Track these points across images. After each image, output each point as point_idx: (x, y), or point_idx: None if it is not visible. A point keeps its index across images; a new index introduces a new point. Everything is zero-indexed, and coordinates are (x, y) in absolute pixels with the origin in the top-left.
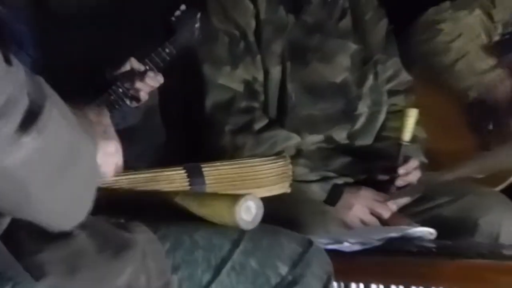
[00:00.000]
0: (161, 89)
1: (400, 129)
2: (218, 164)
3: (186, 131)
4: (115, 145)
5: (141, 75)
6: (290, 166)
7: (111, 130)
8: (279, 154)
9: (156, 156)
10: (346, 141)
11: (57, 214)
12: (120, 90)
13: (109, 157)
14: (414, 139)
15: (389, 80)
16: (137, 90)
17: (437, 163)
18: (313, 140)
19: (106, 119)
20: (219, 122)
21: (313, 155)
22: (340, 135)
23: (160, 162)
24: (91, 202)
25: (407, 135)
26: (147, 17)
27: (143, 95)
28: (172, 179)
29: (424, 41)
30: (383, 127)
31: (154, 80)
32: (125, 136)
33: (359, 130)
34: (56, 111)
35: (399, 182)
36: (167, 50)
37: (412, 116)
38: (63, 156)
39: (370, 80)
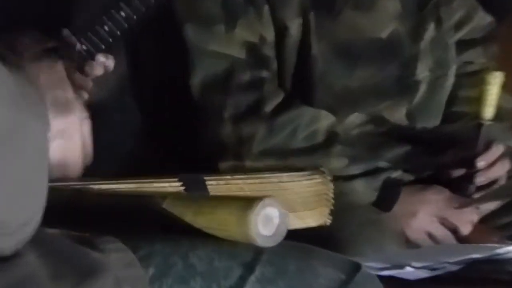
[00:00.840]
0: (131, 58)
1: (478, 102)
2: (229, 177)
3: (171, 114)
4: (77, 117)
5: (81, 61)
6: (331, 186)
7: (69, 92)
8: (309, 143)
9: (131, 147)
10: (404, 122)
11: None
12: None
13: (70, 134)
14: (499, 115)
15: (458, 26)
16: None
17: None
18: (355, 120)
19: (59, 74)
20: (213, 106)
21: (355, 141)
22: (394, 113)
23: (138, 157)
24: (40, 204)
25: (488, 111)
26: None
27: (86, 89)
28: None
29: None
30: (452, 98)
31: (98, 67)
32: (90, 117)
33: (419, 104)
34: None
35: (480, 179)
36: (122, 14)
37: (495, 82)
38: None
39: (430, 31)
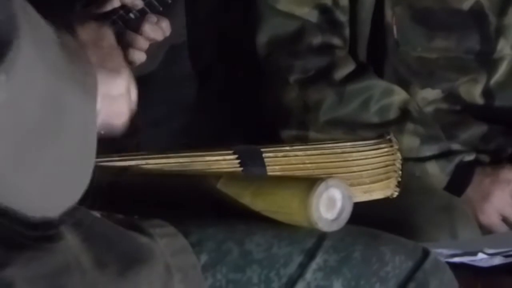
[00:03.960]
0: (190, 20)
1: None
2: (288, 148)
3: (229, 81)
4: (125, 81)
5: (137, 21)
6: (399, 155)
7: (118, 58)
8: (380, 118)
9: (185, 121)
10: (481, 101)
11: (35, 196)
12: None
13: (116, 102)
14: None
15: None
16: (128, 47)
17: None
18: (428, 97)
19: (108, 40)
20: (279, 68)
21: (429, 119)
22: (471, 91)
23: (191, 132)
24: (86, 182)
25: None
26: None
27: (138, 57)
28: (217, 168)
29: None
30: None
31: (155, 30)
32: (139, 90)
33: (500, 83)
34: (29, 50)
35: None
36: None
37: None
38: (41, 113)
39: None
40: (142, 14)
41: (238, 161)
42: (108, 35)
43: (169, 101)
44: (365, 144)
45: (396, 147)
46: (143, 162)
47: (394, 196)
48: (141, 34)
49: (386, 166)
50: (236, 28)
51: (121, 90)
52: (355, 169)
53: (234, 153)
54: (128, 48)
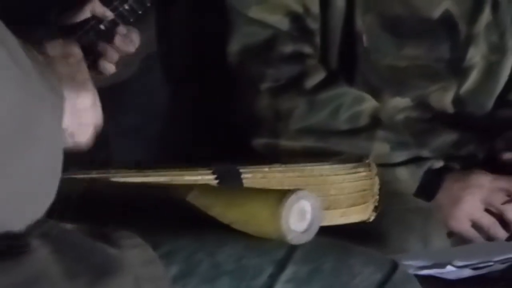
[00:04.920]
0: (161, 29)
1: None
2: (266, 169)
3: (202, 90)
4: (91, 95)
5: (108, 32)
6: (377, 180)
7: (84, 72)
8: (353, 124)
9: (159, 130)
10: (451, 109)
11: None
12: None
13: (83, 115)
14: None
15: None
16: (99, 58)
17: None
18: (398, 105)
19: (75, 55)
20: (251, 76)
21: (399, 127)
22: (441, 99)
23: (166, 140)
24: (53, 195)
25: None
26: None
27: (108, 68)
28: None
29: None
30: (508, 87)
31: (125, 42)
32: (110, 101)
33: (470, 91)
34: None
35: None
36: None
37: None
38: (9, 126)
39: (486, 14)
40: (113, 25)
41: (217, 181)
42: (75, 50)
43: (143, 109)
44: (344, 167)
45: (374, 171)
46: (121, 179)
47: (371, 220)
48: (111, 46)
49: (364, 190)
50: (209, 36)
51: (88, 104)
52: (332, 192)
53: (213, 173)
54: (99, 59)
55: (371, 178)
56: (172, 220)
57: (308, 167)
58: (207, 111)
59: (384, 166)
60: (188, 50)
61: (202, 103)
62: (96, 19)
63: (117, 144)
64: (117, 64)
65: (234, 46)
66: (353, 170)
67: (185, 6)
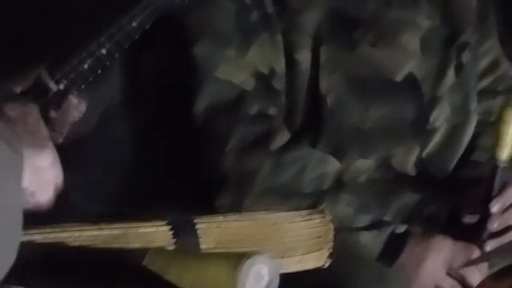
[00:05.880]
0: (126, 82)
1: (494, 143)
2: (221, 219)
3: (165, 146)
4: (50, 154)
5: (57, 99)
6: (331, 226)
7: (43, 131)
8: (312, 188)
9: (121, 183)
10: (413, 171)
11: None
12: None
13: (43, 174)
14: None
15: (482, 75)
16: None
17: None
18: (362, 166)
19: (33, 116)
20: (216, 136)
21: (362, 189)
22: (404, 161)
23: (127, 194)
24: (11, 260)
25: (505, 151)
26: None
27: (54, 137)
28: (150, 240)
29: None
30: (471, 147)
31: (73, 111)
32: (71, 155)
33: (432, 154)
34: None
35: (493, 225)
36: (103, 51)
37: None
38: None
39: (450, 76)
40: (62, 93)
41: (172, 232)
42: (33, 111)
43: (104, 162)
44: (298, 214)
45: (328, 217)
46: (76, 234)
47: (326, 266)
48: (58, 114)
49: (319, 237)
50: (176, 92)
51: (47, 162)
52: (288, 239)
53: (167, 224)
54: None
55: (325, 225)
56: (129, 285)
57: (263, 215)
58: (170, 168)
59: (348, 230)
60: (154, 104)
61: (165, 158)
62: (44, 86)
63: (77, 197)
64: (62, 132)
65: (201, 105)
66: (308, 217)
67: (153, 60)
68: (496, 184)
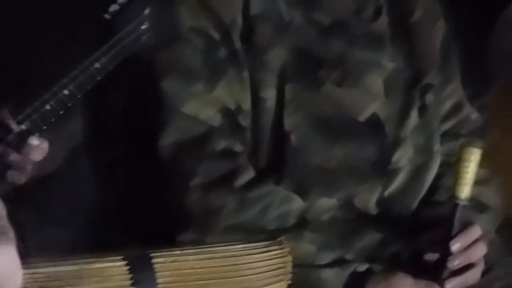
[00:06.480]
0: (91, 120)
1: (454, 181)
2: (178, 252)
3: (131, 182)
4: (7, 253)
5: (18, 141)
6: (290, 258)
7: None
8: (275, 229)
9: (85, 222)
10: (375, 210)
11: None
12: None
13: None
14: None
15: (445, 117)
16: (9, 167)
17: None
18: (325, 205)
19: None
20: (182, 172)
21: (325, 227)
22: (366, 201)
23: (92, 232)
24: None
25: (464, 190)
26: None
27: (18, 178)
28: (107, 276)
29: (505, 51)
30: (434, 188)
31: (35, 152)
32: (35, 194)
33: (394, 193)
34: None
35: (453, 263)
36: (65, 92)
37: (472, 159)
38: None
39: (414, 118)
40: (25, 134)
41: (128, 267)
42: None
43: (69, 202)
44: (256, 246)
45: (287, 249)
46: (31, 270)
47: None
48: (20, 156)
49: (277, 268)
50: (141, 131)
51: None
52: (246, 272)
53: (123, 259)
54: (8, 169)
55: (284, 256)
56: None
57: (221, 248)
58: (136, 202)
59: (310, 267)
60: (120, 143)
61: (131, 194)
62: (4, 129)
63: (42, 236)
64: (25, 173)
65: (167, 140)
66: (266, 249)
67: (120, 99)
68: (456, 223)
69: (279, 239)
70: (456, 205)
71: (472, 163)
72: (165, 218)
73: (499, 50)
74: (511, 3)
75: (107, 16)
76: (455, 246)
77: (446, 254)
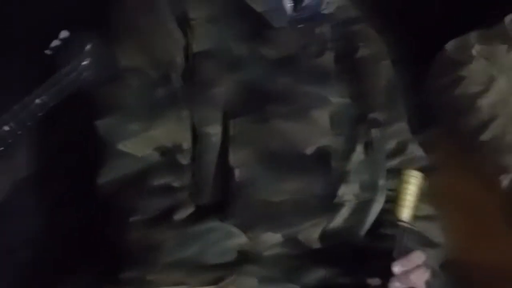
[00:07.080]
0: (37, 154)
1: (396, 203)
2: None
3: (72, 219)
4: None
5: None
6: None
7: None
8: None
9: (30, 254)
10: (318, 245)
11: None
12: None
13: None
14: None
15: (391, 155)
16: None
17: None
18: (269, 240)
19: None
20: (122, 209)
21: (269, 262)
22: (310, 235)
23: (36, 264)
24: None
25: (405, 212)
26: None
27: None
28: None
29: (441, 92)
30: (380, 221)
31: None
32: None
33: (337, 228)
34: None
35: (395, 286)
36: (5, 128)
37: (413, 182)
38: None
39: (359, 152)
40: None
41: None
42: None
43: (13, 235)
44: None
45: None
46: None
47: None
48: None
49: None
50: (82, 167)
51: None
52: None
53: None
54: None
55: None
56: None
57: None
58: (77, 238)
59: None
60: (61, 176)
61: (73, 230)
62: None
63: None
64: None
65: (104, 178)
66: None
67: (61, 135)
68: (398, 244)
69: (230, 278)
70: (397, 226)
71: (412, 186)
72: (108, 255)
73: (435, 92)
74: (445, 44)
75: (48, 51)
76: (396, 268)
77: (388, 276)
